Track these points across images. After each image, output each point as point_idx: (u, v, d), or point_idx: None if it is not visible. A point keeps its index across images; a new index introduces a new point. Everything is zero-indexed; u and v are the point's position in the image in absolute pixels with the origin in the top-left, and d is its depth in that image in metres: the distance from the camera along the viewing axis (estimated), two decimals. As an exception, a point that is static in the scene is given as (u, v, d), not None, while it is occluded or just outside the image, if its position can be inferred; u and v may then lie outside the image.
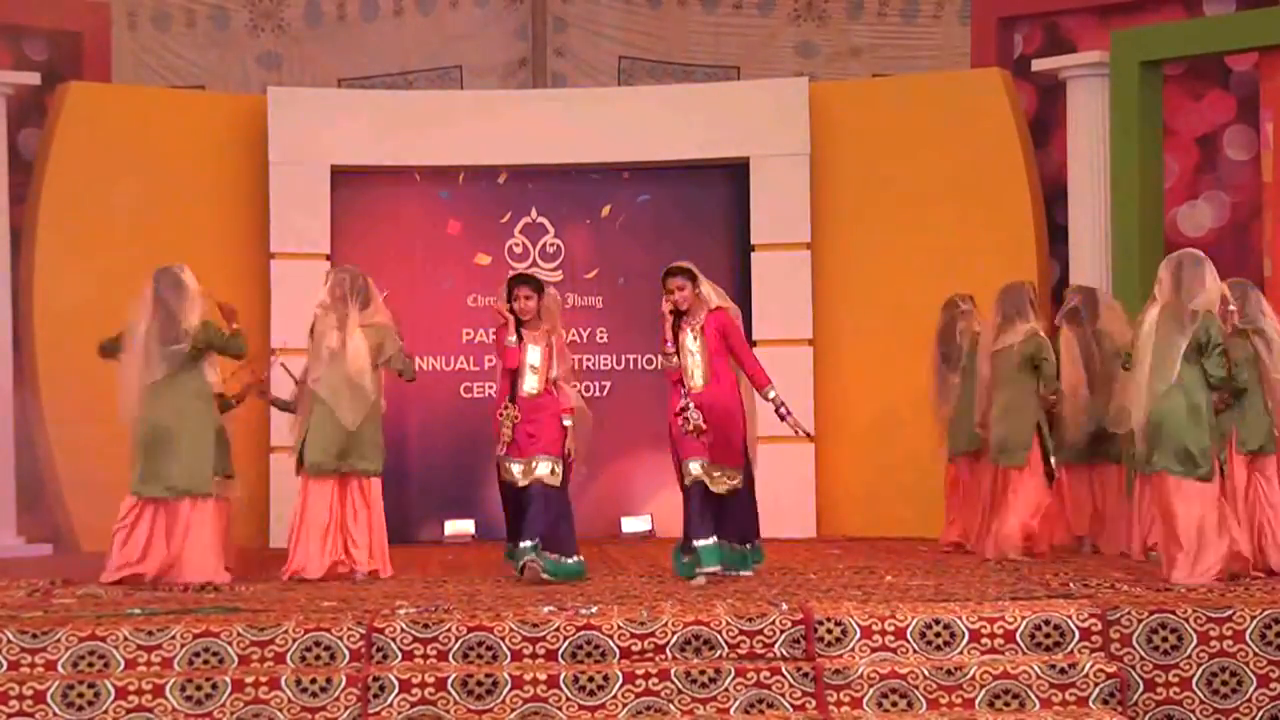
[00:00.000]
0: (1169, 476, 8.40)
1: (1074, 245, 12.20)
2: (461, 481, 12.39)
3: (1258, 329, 9.06)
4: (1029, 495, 10.01)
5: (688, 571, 8.99)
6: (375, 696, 7.09)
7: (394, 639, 7.32)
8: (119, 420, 9.46)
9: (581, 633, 7.34)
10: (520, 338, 9.23)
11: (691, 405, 8.92)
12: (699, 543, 8.90)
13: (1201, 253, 8.67)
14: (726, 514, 9.05)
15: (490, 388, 12.19)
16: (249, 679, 7.12)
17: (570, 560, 9.15)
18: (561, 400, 9.31)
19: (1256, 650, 7.31)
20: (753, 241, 12.75)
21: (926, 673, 7.17)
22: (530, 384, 9.23)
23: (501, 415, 9.20)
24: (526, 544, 9.01)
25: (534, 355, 9.25)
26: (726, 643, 7.34)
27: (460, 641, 7.33)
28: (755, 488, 9.38)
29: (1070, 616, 7.41)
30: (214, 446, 9.38)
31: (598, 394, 12.68)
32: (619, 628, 7.35)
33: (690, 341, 9.08)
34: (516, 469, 9.17)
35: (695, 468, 8.91)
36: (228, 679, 7.11)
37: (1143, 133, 11.56)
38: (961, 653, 7.35)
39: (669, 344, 9.10)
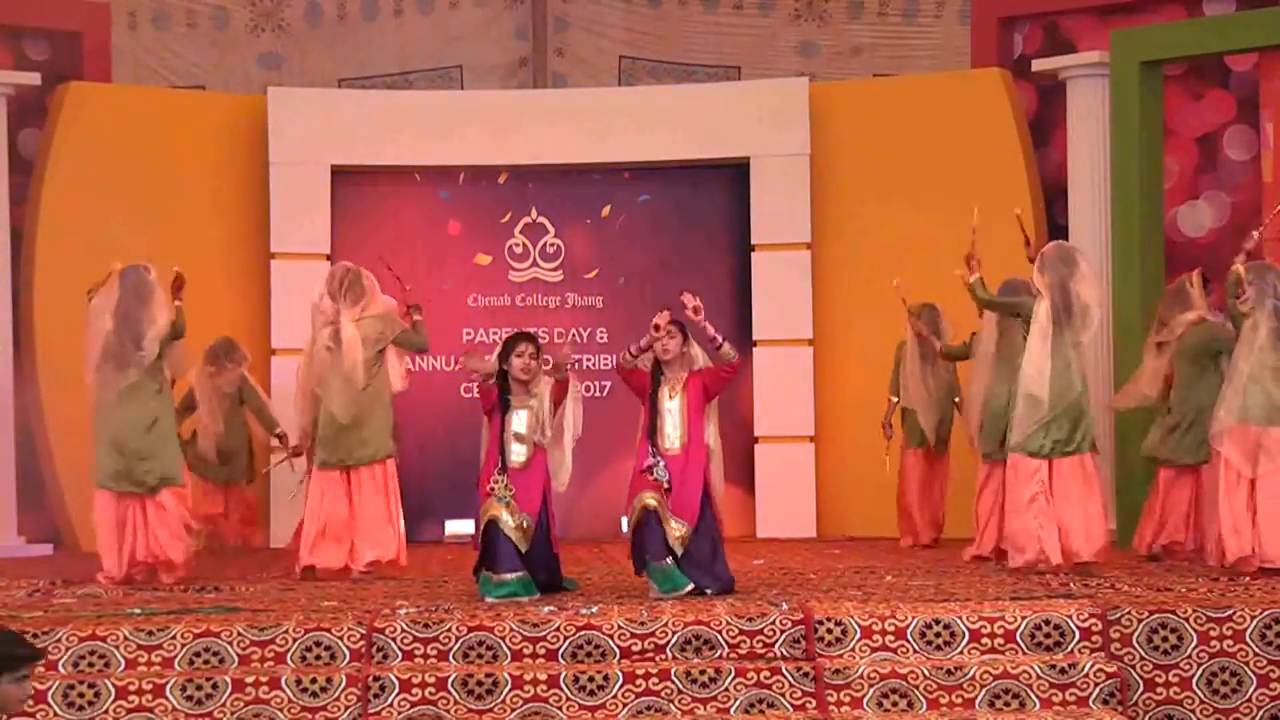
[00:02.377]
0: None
1: (1074, 244, 12.17)
2: (461, 481, 12.36)
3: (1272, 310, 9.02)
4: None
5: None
6: (375, 696, 7.08)
7: (394, 639, 7.32)
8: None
9: (581, 633, 7.34)
10: (508, 405, 8.53)
11: (661, 463, 8.38)
12: (656, 562, 8.32)
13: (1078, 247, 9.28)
14: (691, 558, 8.42)
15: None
16: (249, 679, 7.11)
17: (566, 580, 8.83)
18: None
19: (1256, 650, 7.31)
20: (753, 241, 12.75)
21: (926, 673, 7.16)
22: (517, 453, 8.52)
23: (493, 488, 8.45)
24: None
25: (520, 422, 8.54)
26: (726, 643, 7.33)
27: (460, 641, 7.33)
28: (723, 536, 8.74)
29: (1070, 616, 7.41)
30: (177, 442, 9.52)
31: (598, 394, 12.68)
32: (619, 628, 7.34)
33: (668, 400, 8.47)
34: (510, 520, 8.43)
35: (650, 499, 8.33)
36: (228, 679, 7.10)
37: (1143, 133, 11.56)
38: (961, 653, 7.35)
39: (639, 350, 8.47)
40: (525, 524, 8.43)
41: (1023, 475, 8.96)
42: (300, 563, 9.58)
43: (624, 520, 8.56)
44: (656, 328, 8.39)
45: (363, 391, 9.51)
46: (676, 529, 8.33)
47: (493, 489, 8.44)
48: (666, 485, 8.35)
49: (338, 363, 9.48)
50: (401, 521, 9.75)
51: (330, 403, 9.47)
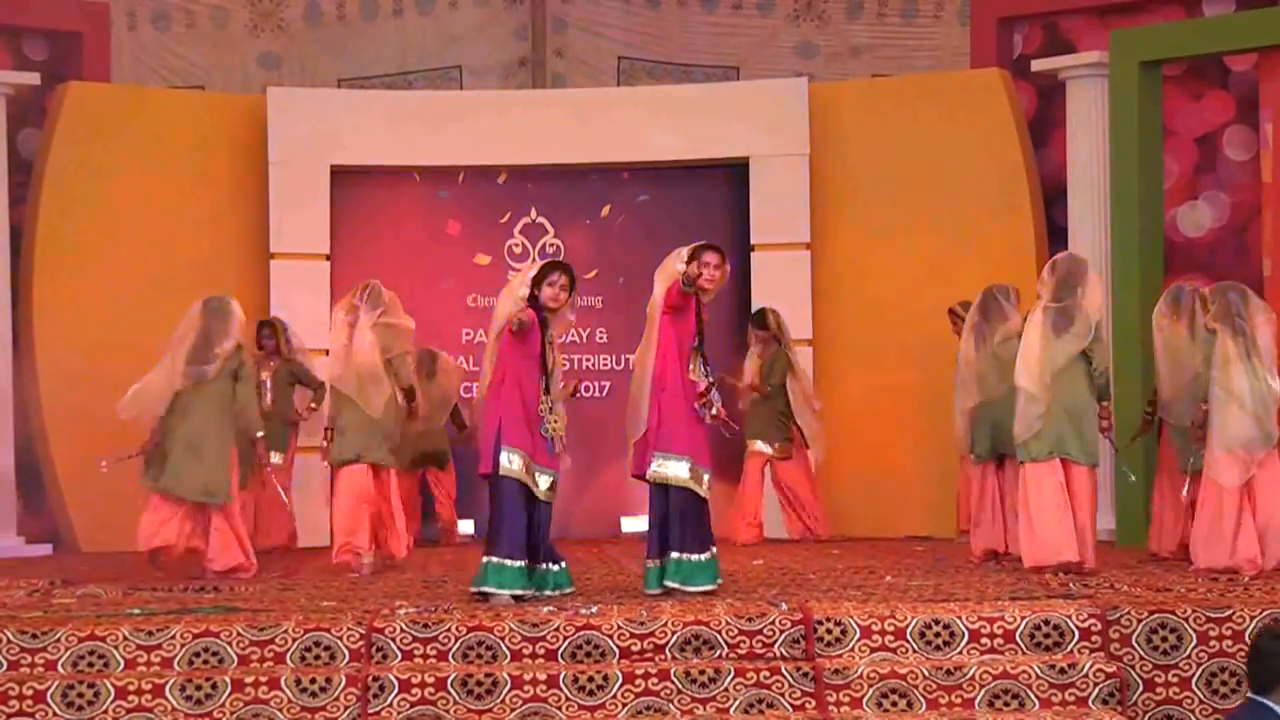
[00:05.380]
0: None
1: (1074, 245, 12.16)
2: (461, 481, 12.38)
3: (1238, 330, 9.16)
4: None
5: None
6: (375, 696, 7.08)
7: (394, 639, 7.32)
8: (116, 415, 9.77)
9: (581, 633, 7.34)
10: (545, 324, 8.26)
11: (715, 390, 8.31)
12: (699, 556, 8.20)
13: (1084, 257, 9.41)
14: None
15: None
16: (249, 679, 7.11)
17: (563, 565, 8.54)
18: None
19: (1256, 650, 7.30)
20: (753, 241, 12.75)
21: (926, 673, 7.16)
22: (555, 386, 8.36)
23: (544, 413, 8.21)
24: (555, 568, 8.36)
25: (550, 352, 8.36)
26: (726, 643, 7.33)
27: (460, 641, 7.33)
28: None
29: (1070, 616, 7.41)
30: (230, 457, 9.71)
31: (597, 394, 12.68)
32: (619, 628, 7.34)
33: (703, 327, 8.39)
34: (548, 481, 8.27)
35: (680, 468, 8.18)
36: (228, 679, 7.10)
37: (1142, 133, 11.56)
38: (961, 653, 7.35)
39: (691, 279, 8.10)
40: (545, 485, 8.22)
41: (1044, 482, 8.94)
42: (336, 558, 9.91)
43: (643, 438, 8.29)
44: (705, 266, 8.19)
45: (387, 390, 9.94)
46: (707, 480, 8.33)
47: (544, 414, 8.15)
48: (723, 413, 8.32)
49: (352, 362, 9.88)
50: (402, 522, 10.19)
51: (359, 399, 9.86)
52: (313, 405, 11.58)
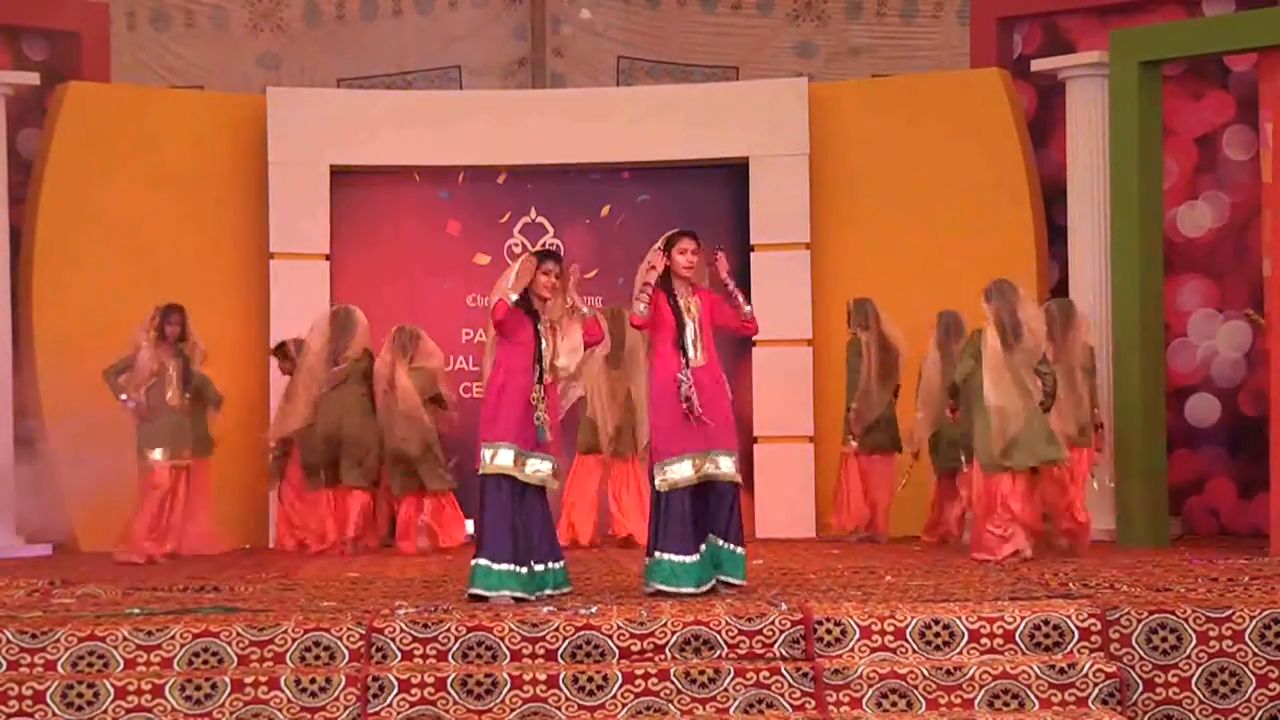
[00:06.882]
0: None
1: (1074, 245, 12.20)
2: (462, 481, 12.37)
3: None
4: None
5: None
6: (375, 696, 7.08)
7: (393, 639, 7.32)
8: (271, 431, 11.79)
9: (581, 633, 7.34)
10: (537, 316, 8.22)
11: (688, 375, 8.15)
12: (684, 559, 8.13)
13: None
14: (716, 514, 8.25)
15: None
16: (249, 679, 7.11)
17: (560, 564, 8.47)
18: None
19: (1256, 650, 7.31)
20: (753, 241, 12.75)
21: (926, 673, 7.16)
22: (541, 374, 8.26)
23: (535, 400, 8.14)
24: (555, 566, 8.32)
25: (544, 344, 8.23)
26: (726, 643, 7.33)
27: (460, 641, 7.33)
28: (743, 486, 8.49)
29: (1070, 616, 7.41)
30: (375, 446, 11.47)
31: (597, 394, 12.66)
32: (618, 628, 7.34)
33: (690, 310, 8.26)
34: (547, 467, 8.22)
35: (682, 469, 8.14)
36: (227, 679, 7.10)
37: (1142, 133, 11.55)
38: (961, 653, 7.35)
39: (649, 291, 8.18)
40: (545, 470, 8.15)
41: (996, 491, 9.89)
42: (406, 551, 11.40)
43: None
44: (653, 267, 8.27)
45: (425, 428, 11.38)
46: (725, 465, 8.23)
47: (535, 403, 8.06)
48: (693, 398, 8.12)
49: (394, 406, 11.31)
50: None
51: (393, 439, 11.36)
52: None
